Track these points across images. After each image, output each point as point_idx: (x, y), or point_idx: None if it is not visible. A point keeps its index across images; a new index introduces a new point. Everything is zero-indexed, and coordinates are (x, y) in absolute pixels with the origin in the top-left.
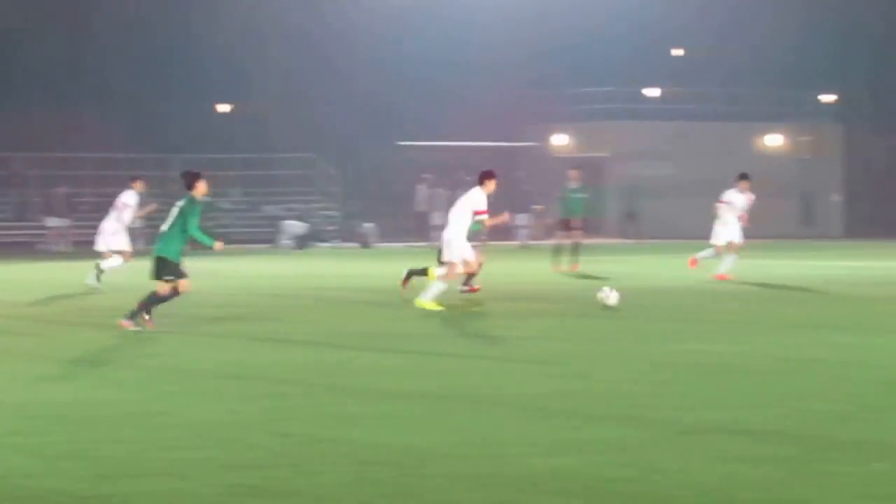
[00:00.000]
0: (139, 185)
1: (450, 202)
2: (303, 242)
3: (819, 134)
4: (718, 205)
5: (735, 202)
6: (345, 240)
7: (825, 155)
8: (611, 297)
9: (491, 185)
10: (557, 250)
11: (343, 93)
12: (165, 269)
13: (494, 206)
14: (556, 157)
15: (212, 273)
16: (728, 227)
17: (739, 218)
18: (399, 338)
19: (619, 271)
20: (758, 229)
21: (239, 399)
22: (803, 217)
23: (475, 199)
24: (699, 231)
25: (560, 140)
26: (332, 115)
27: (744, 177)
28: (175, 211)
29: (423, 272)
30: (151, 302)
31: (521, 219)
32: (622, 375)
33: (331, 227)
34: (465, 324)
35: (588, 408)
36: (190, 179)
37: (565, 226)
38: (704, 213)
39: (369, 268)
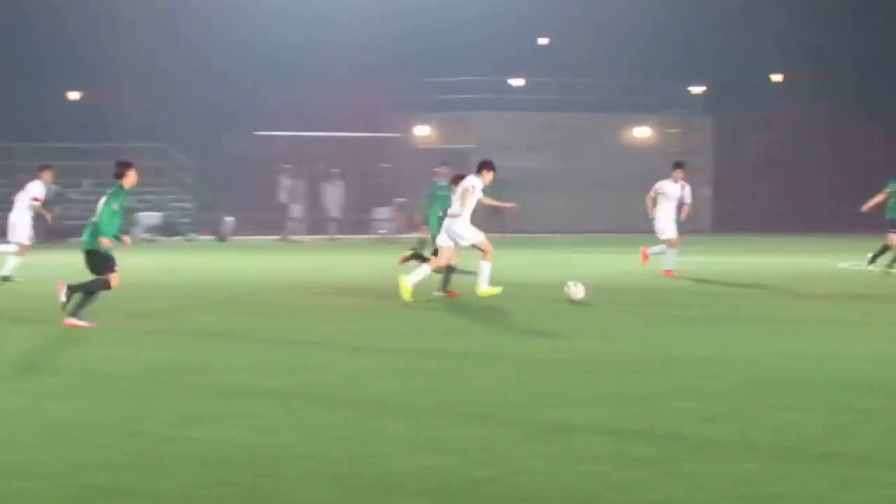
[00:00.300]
0: (47, 175)
1: (311, 194)
2: (167, 233)
3: (688, 126)
4: (653, 194)
5: (669, 192)
6: (200, 232)
7: (694, 147)
8: (576, 291)
9: (488, 175)
10: (422, 245)
11: (200, 81)
12: (100, 260)
13: (356, 198)
14: (419, 148)
15: (65, 266)
16: (667, 219)
17: (679, 210)
18: (256, 333)
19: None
20: (627, 223)
21: (92, 397)
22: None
23: (471, 185)
24: (565, 225)
25: (423, 131)
26: (189, 103)
27: (678, 165)
28: (102, 201)
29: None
30: (90, 289)
31: (382, 212)
32: (485, 373)
33: (185, 220)
34: (324, 320)
35: (450, 406)
36: (120, 169)
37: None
38: (571, 206)
39: (226, 261)
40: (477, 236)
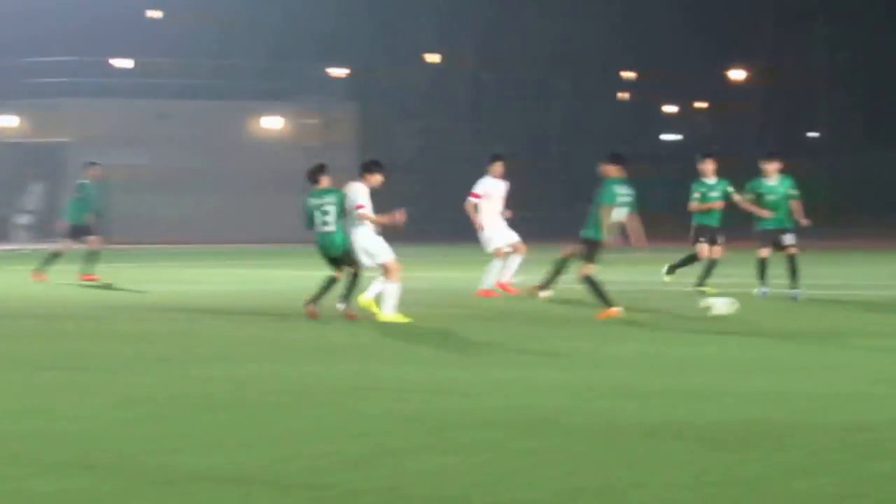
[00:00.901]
0: None
1: None
2: None
3: (328, 115)
4: (472, 200)
5: (493, 193)
6: None
7: (336, 140)
8: (720, 305)
9: (374, 178)
10: (54, 257)
11: None
12: None
13: None
14: (4, 142)
15: None
16: (495, 228)
17: (502, 213)
18: None
19: (96, 282)
20: (257, 231)
21: None
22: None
23: (355, 192)
24: (183, 233)
25: (8, 121)
26: None
27: (497, 157)
28: None
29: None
30: None
31: None
32: (85, 411)
33: None
34: None
35: (36, 452)
36: None
37: (81, 230)
38: (190, 211)
39: None
40: (386, 254)
